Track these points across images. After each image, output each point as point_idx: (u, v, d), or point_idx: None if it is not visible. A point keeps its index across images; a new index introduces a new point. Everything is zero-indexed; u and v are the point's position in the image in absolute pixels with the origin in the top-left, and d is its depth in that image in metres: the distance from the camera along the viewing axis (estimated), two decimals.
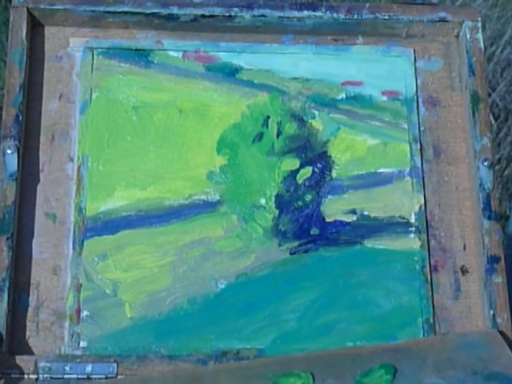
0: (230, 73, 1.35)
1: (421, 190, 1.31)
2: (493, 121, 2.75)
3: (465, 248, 1.30)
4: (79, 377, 1.19)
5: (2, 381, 1.17)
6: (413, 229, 1.30)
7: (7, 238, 1.22)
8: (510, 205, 2.33)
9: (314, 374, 1.16)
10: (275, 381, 1.15)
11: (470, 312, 1.27)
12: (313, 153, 1.33)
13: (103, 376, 1.19)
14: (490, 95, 2.79)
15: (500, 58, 2.92)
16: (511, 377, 1.14)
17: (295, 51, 1.37)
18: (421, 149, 1.33)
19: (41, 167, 1.29)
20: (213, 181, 1.30)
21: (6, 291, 1.20)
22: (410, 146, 1.33)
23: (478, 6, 3.01)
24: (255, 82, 1.35)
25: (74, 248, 1.26)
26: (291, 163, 1.32)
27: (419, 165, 1.33)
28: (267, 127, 1.33)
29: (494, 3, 3.18)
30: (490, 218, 1.27)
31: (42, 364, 1.19)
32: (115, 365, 1.20)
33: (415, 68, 1.37)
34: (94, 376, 1.19)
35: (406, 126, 1.34)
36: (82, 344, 1.22)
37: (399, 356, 1.18)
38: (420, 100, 1.36)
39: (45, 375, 1.18)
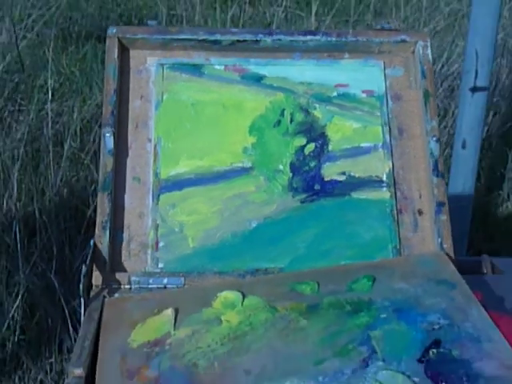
0: (257, 79, 1.35)
1: (390, 158, 1.31)
2: None
3: (420, 197, 1.30)
4: (158, 286, 1.20)
5: (107, 289, 1.19)
6: (384, 185, 1.30)
7: (108, 194, 1.24)
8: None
9: (318, 282, 1.16)
10: (292, 287, 1.16)
11: (424, 240, 1.27)
12: (315, 133, 1.33)
13: (175, 286, 1.20)
14: None
15: (440, 74, 2.91)
16: (453, 282, 1.14)
17: (302, 64, 1.36)
18: (389, 130, 1.33)
19: (129, 146, 1.30)
20: (247, 153, 1.31)
21: (108, 230, 1.22)
22: (382, 128, 1.33)
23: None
24: (275, 85, 1.34)
25: (152, 200, 1.27)
26: (300, 141, 1.32)
27: (388, 141, 1.32)
28: (283, 116, 1.33)
29: (438, 31, 3.15)
30: (437, 176, 1.27)
31: (133, 278, 1.21)
32: (183, 278, 1.21)
33: (384, 74, 1.36)
34: (168, 286, 1.20)
35: (379, 114, 1.34)
36: (160, 265, 1.23)
37: (377, 270, 1.18)
38: (388, 96, 1.35)
39: (135, 286, 1.20)
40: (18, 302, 1.98)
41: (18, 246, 2.04)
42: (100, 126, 2.59)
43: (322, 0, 3.16)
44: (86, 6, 3.18)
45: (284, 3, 3.25)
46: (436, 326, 1.06)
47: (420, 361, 1.00)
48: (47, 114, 2.46)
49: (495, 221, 2.56)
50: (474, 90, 2.17)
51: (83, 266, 1.15)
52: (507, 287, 1.23)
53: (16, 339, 1.96)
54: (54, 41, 2.67)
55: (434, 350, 1.02)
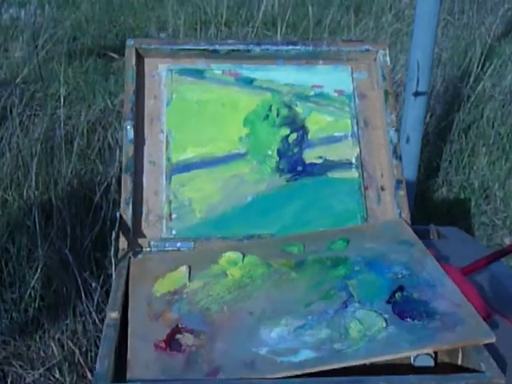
0: (249, 82, 1.37)
1: (357, 145, 1.34)
2: None
3: (382, 176, 1.32)
4: (173, 249, 1.23)
5: (131, 252, 1.22)
6: (353, 166, 1.32)
7: (130, 175, 1.27)
8: None
9: (304, 244, 1.21)
10: (282, 248, 1.20)
11: (386, 211, 1.30)
12: (297, 125, 1.35)
13: (186, 248, 1.23)
14: None
15: None
16: (411, 242, 1.19)
17: (285, 69, 1.38)
18: (357, 122, 1.35)
19: (146, 136, 1.32)
20: (242, 141, 1.33)
21: (131, 204, 1.25)
22: (351, 120, 1.35)
23: None
24: (263, 86, 1.36)
25: (166, 180, 1.29)
26: (285, 131, 1.34)
27: (356, 131, 1.35)
28: (271, 111, 1.35)
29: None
30: (396, 158, 1.31)
31: (152, 243, 1.24)
32: (193, 243, 1.24)
33: (352, 77, 1.38)
34: (181, 249, 1.23)
35: (348, 110, 1.36)
36: (173, 232, 1.26)
37: (350, 233, 1.23)
38: (355, 95, 1.37)
39: (154, 249, 1.23)
40: (37, 274, 1.99)
41: (37, 227, 2.05)
42: (103, 128, 2.63)
43: (286, 22, 3.20)
44: (87, 27, 3.18)
45: (254, 24, 3.29)
46: (399, 276, 1.11)
47: (388, 302, 1.06)
48: (59, 117, 2.48)
49: (433, 203, 2.63)
50: (416, 94, 2.24)
51: (113, 233, 1.18)
52: (450, 248, 1.30)
53: (36, 305, 1.97)
54: (62, 57, 2.67)
55: (399, 294, 1.08)
